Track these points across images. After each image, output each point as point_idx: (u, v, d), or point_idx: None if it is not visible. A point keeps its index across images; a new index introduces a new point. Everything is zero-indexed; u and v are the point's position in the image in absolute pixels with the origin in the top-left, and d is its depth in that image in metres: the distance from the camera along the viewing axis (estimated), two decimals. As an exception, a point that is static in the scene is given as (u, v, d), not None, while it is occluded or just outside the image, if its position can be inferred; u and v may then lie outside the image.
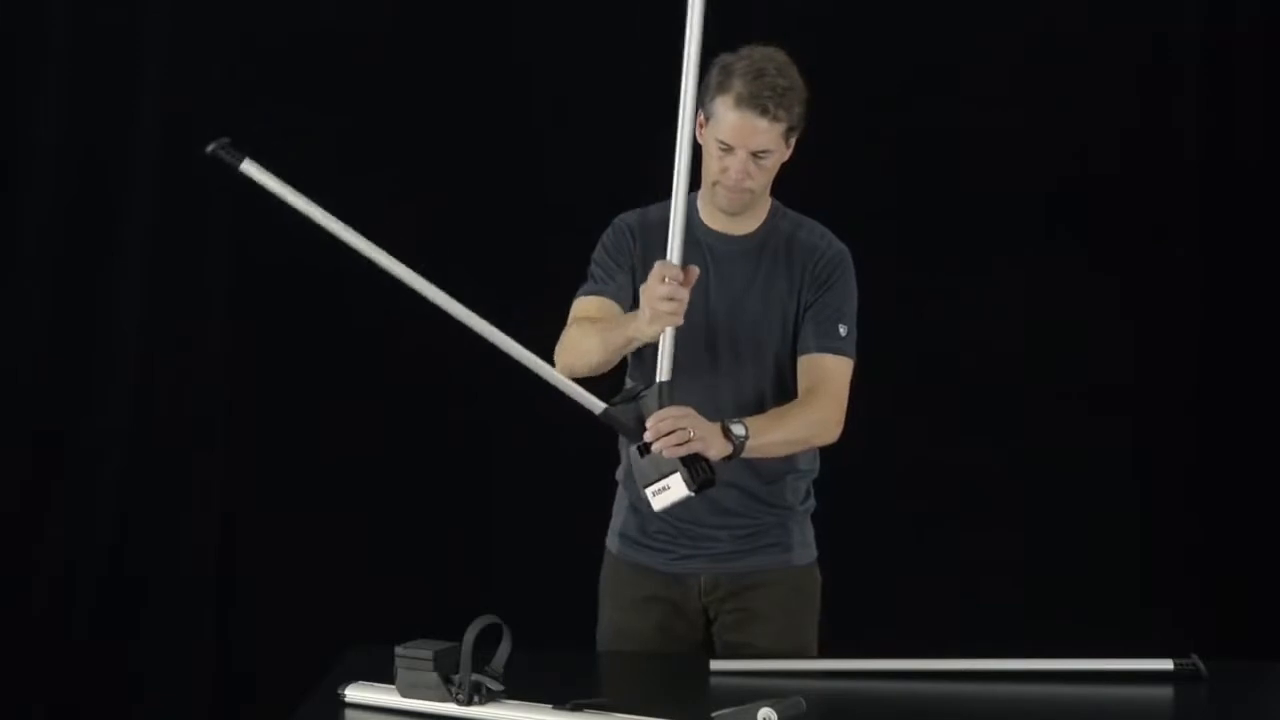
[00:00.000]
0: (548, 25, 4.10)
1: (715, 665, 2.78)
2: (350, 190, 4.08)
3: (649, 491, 2.72)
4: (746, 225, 2.98)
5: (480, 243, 4.12)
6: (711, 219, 3.00)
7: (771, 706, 2.31)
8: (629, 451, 2.80)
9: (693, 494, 2.70)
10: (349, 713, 2.51)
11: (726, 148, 2.86)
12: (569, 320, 2.97)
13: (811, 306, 2.94)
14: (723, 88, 2.85)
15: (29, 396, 4.06)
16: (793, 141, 2.91)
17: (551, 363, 2.90)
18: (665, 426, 2.68)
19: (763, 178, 2.90)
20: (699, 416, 2.72)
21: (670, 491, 2.70)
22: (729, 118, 2.84)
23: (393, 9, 4.13)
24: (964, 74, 4.14)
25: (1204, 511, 4.15)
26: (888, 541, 4.07)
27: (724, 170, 2.88)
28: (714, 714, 2.33)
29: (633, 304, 2.96)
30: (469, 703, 2.43)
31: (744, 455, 2.77)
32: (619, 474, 3.10)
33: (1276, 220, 4.13)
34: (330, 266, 4.10)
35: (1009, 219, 4.13)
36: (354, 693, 2.53)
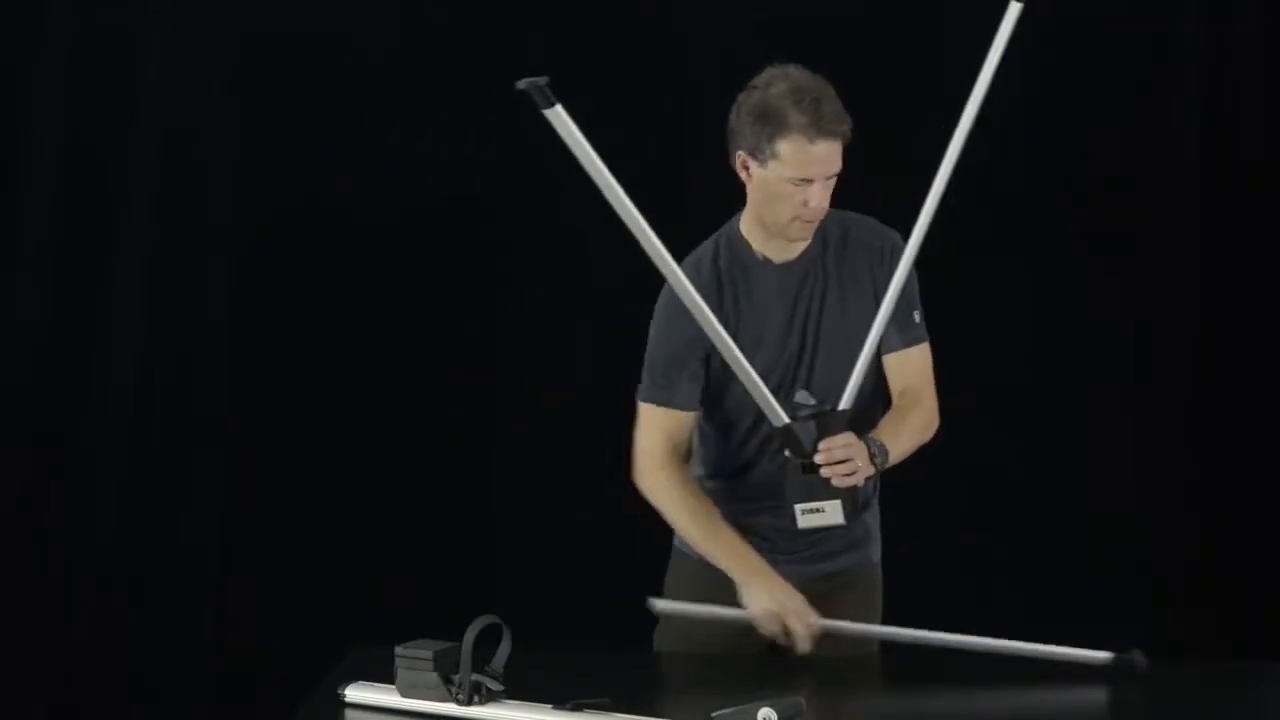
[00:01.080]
0: (550, 25, 4.10)
1: (656, 604, 2.87)
2: (350, 189, 4.12)
3: (799, 509, 2.76)
4: (797, 244, 2.94)
5: (480, 242, 4.12)
6: (766, 247, 2.93)
7: (771, 706, 2.31)
8: (787, 464, 2.79)
9: (844, 523, 2.76)
10: (349, 713, 2.50)
11: (805, 181, 2.82)
12: (646, 434, 2.95)
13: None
14: (784, 128, 2.79)
15: (29, 396, 4.06)
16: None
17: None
18: (839, 455, 2.71)
19: (828, 200, 2.88)
20: (861, 446, 2.75)
21: (823, 516, 2.75)
22: (809, 152, 2.80)
23: (393, 8, 4.13)
24: (964, 74, 4.14)
25: (1204, 511, 4.15)
26: (885, 540, 4.06)
27: (805, 203, 2.82)
28: (714, 714, 2.33)
29: (705, 389, 2.91)
30: (469, 703, 2.43)
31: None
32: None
33: (1276, 220, 4.13)
34: (331, 267, 4.13)
35: (1009, 219, 4.13)
36: (354, 693, 2.53)
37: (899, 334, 2.92)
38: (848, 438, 2.74)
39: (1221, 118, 4.14)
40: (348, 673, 2.59)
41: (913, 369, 2.95)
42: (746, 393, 2.79)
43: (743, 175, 2.87)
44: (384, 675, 2.51)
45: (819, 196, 2.83)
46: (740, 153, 2.85)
